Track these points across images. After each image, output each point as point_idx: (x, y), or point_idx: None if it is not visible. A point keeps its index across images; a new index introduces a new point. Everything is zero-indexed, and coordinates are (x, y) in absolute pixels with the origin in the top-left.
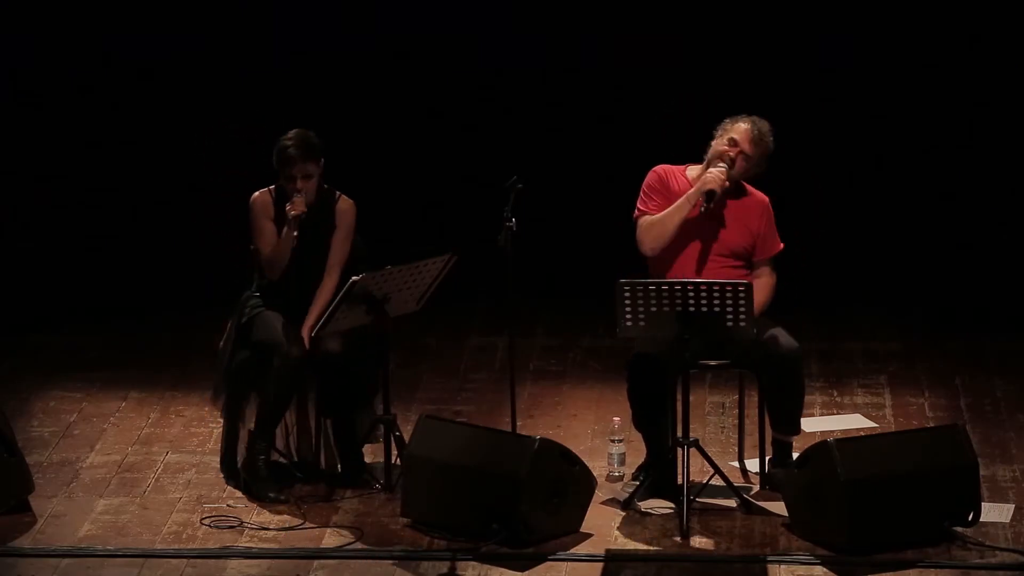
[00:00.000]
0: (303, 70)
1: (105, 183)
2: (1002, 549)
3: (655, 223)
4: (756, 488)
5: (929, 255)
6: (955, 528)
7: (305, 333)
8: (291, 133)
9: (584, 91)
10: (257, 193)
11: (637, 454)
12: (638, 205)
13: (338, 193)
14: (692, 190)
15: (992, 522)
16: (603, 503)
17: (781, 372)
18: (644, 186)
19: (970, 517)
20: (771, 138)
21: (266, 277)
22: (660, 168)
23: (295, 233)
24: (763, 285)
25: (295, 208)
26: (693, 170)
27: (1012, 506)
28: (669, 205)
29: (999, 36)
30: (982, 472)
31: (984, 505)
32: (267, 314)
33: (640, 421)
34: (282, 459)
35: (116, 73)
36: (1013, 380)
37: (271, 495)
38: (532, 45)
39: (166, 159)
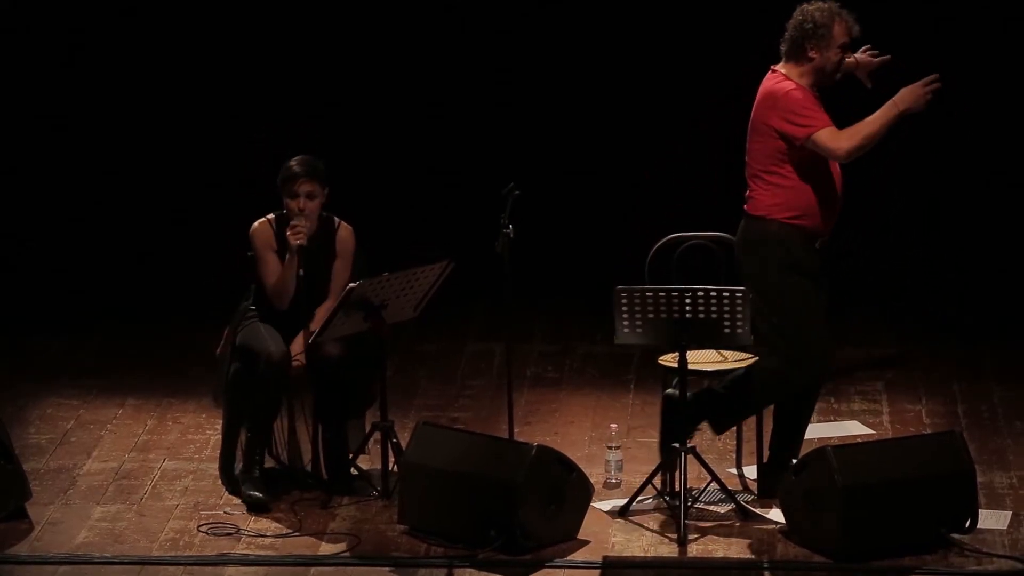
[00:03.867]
0: (301, 78)
1: (103, 189)
2: (999, 556)
3: (861, 138)
4: (753, 495)
5: (927, 261)
6: (952, 535)
7: (304, 341)
8: (297, 156)
9: (582, 97)
10: (257, 224)
11: (634, 461)
12: (807, 122)
13: (337, 220)
14: (888, 113)
15: (989, 529)
16: (600, 510)
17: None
18: (798, 106)
19: (967, 524)
20: None
21: (264, 293)
22: (794, 86)
23: (300, 270)
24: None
25: (296, 236)
26: (781, 66)
27: (1009, 513)
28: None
29: (999, 38)
30: (979, 479)
31: (981, 512)
32: (255, 324)
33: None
34: (278, 466)
35: (123, 77)
36: (1010, 387)
37: (255, 495)
38: (531, 51)
39: (165, 167)
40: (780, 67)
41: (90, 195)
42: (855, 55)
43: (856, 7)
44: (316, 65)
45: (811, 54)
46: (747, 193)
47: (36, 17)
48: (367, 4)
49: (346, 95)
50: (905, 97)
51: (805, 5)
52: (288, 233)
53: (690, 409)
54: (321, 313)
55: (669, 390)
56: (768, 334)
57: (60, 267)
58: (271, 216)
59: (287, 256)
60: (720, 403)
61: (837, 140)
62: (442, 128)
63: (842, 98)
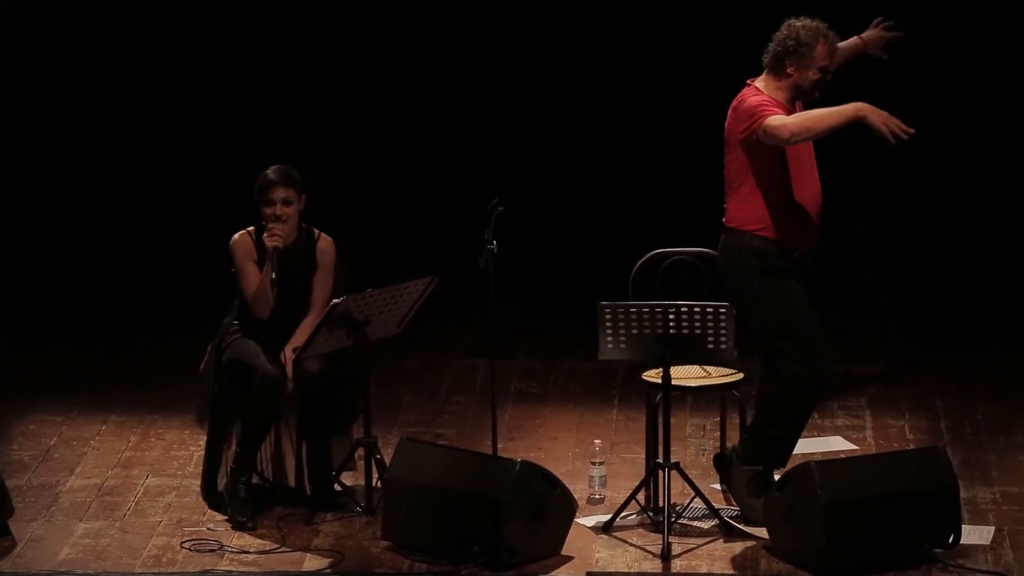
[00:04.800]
0: (284, 96)
1: (86, 209)
2: (982, 571)
3: (805, 121)
4: (737, 510)
5: (909, 275)
6: (935, 550)
7: (288, 354)
8: (273, 166)
9: (567, 116)
10: (237, 235)
11: (618, 477)
12: (759, 113)
13: (317, 232)
14: (846, 110)
15: (972, 544)
16: (584, 525)
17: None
18: (752, 107)
19: (950, 539)
20: None
21: (248, 308)
22: (759, 97)
23: (273, 273)
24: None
25: (272, 239)
26: (759, 80)
27: (992, 528)
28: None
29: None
30: (962, 494)
31: (964, 527)
32: (244, 340)
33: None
34: (263, 482)
35: (123, 77)
36: (993, 402)
37: (240, 519)
38: (517, 69)
39: (148, 188)
40: (758, 81)
41: (76, 212)
42: (863, 34)
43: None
44: (295, 71)
45: (790, 70)
46: (724, 206)
47: (36, 17)
48: (358, 11)
49: (330, 114)
50: (870, 109)
51: (793, 20)
52: (264, 236)
53: (745, 461)
54: (305, 327)
55: (716, 453)
56: (773, 341)
57: (44, 284)
58: (251, 228)
59: (265, 262)
60: (763, 438)
61: (783, 120)
62: (427, 145)
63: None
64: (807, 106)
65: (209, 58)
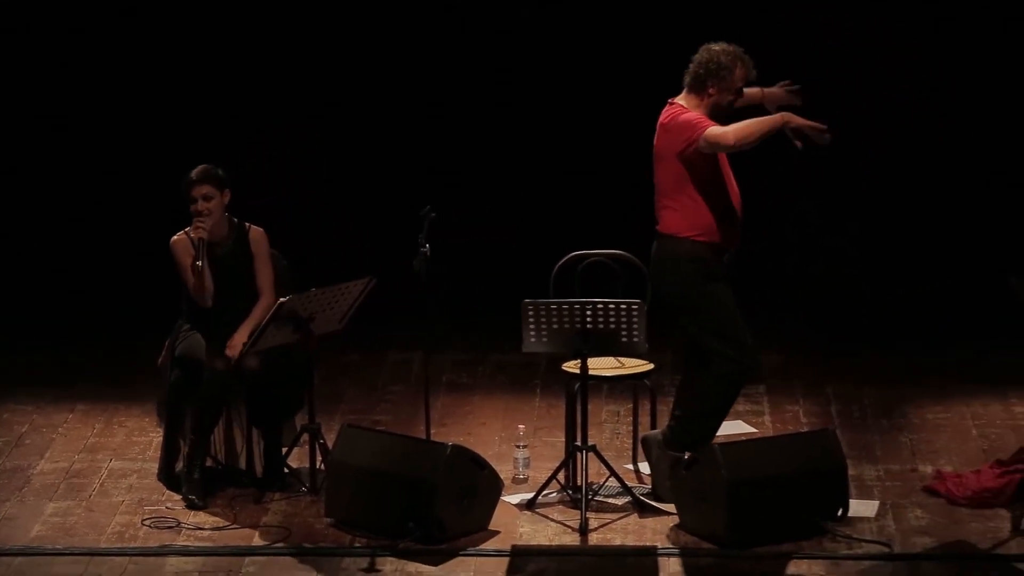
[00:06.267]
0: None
1: (57, 213)
2: (867, 541)
3: (744, 128)
4: (648, 488)
5: (804, 274)
6: (826, 523)
7: (236, 345)
8: (197, 167)
9: (492, 127)
10: (175, 236)
11: (540, 458)
12: (697, 126)
13: (247, 224)
14: (774, 119)
15: (859, 517)
16: (509, 503)
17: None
18: (686, 122)
19: (840, 513)
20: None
21: (195, 308)
22: (686, 112)
23: (199, 262)
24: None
25: (196, 231)
26: (680, 98)
27: (876, 503)
28: None
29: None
30: (850, 472)
31: (852, 502)
32: (194, 337)
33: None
34: (216, 465)
35: (69, 107)
36: (877, 389)
37: (195, 498)
38: (450, 79)
39: (103, 198)
40: (679, 99)
41: (48, 215)
42: (767, 88)
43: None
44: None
45: (711, 91)
46: (657, 214)
47: (35, 17)
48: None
49: (276, 126)
50: (791, 116)
51: (711, 45)
52: (190, 230)
53: (671, 447)
54: (258, 312)
55: (645, 434)
56: (706, 342)
57: (15, 289)
58: (187, 228)
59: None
60: (695, 428)
61: (723, 129)
62: (366, 155)
63: None
64: (723, 122)
65: (194, 59)
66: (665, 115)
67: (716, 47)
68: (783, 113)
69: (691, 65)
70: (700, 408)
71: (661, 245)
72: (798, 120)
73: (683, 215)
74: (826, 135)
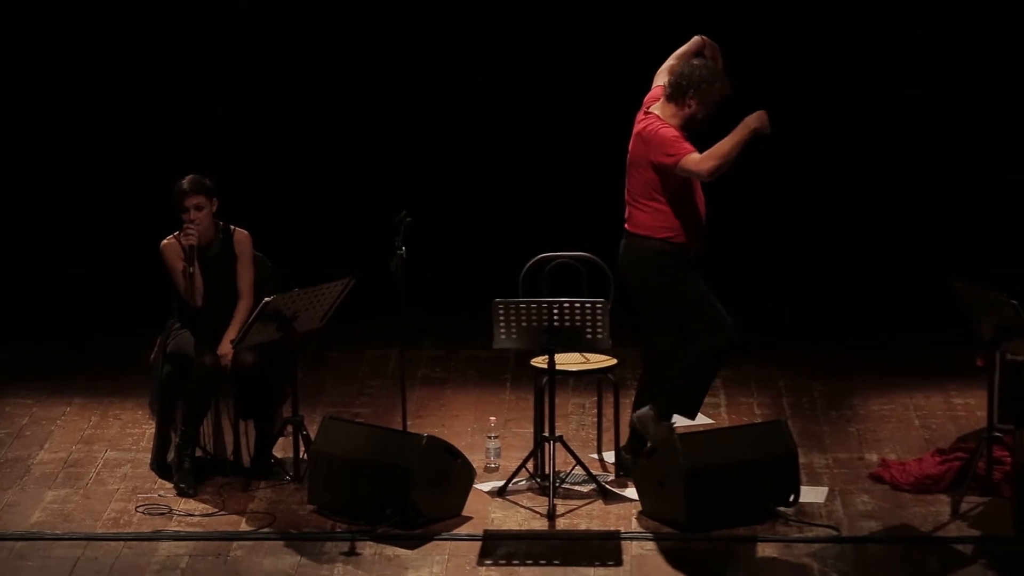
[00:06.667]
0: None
1: (49, 219)
2: (817, 525)
3: (718, 155)
4: (612, 476)
5: (757, 273)
6: (779, 508)
7: (226, 345)
8: (187, 176)
9: (468, 133)
10: (165, 240)
11: (510, 448)
12: (680, 150)
13: (233, 227)
14: (742, 132)
15: (809, 502)
16: (481, 490)
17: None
18: (667, 142)
19: (791, 498)
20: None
21: (186, 306)
22: (663, 125)
23: (190, 266)
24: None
25: (187, 238)
26: (656, 107)
27: (826, 488)
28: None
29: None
30: (801, 460)
31: (803, 488)
32: (185, 335)
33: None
34: (205, 455)
35: (62, 109)
36: (826, 382)
37: (182, 486)
38: (425, 86)
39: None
40: (656, 108)
41: (42, 221)
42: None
43: None
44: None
45: (690, 103)
46: (627, 215)
47: (35, 17)
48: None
49: (256, 135)
50: (754, 119)
51: (693, 60)
52: (181, 236)
53: (664, 420)
54: (241, 313)
55: (638, 413)
56: (687, 325)
57: (17, 292)
58: (176, 233)
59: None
60: (685, 402)
61: (700, 163)
62: (346, 163)
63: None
64: (694, 133)
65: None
66: (642, 125)
67: (696, 62)
68: (746, 123)
69: (671, 76)
70: (686, 384)
71: (630, 242)
72: (759, 123)
73: (653, 217)
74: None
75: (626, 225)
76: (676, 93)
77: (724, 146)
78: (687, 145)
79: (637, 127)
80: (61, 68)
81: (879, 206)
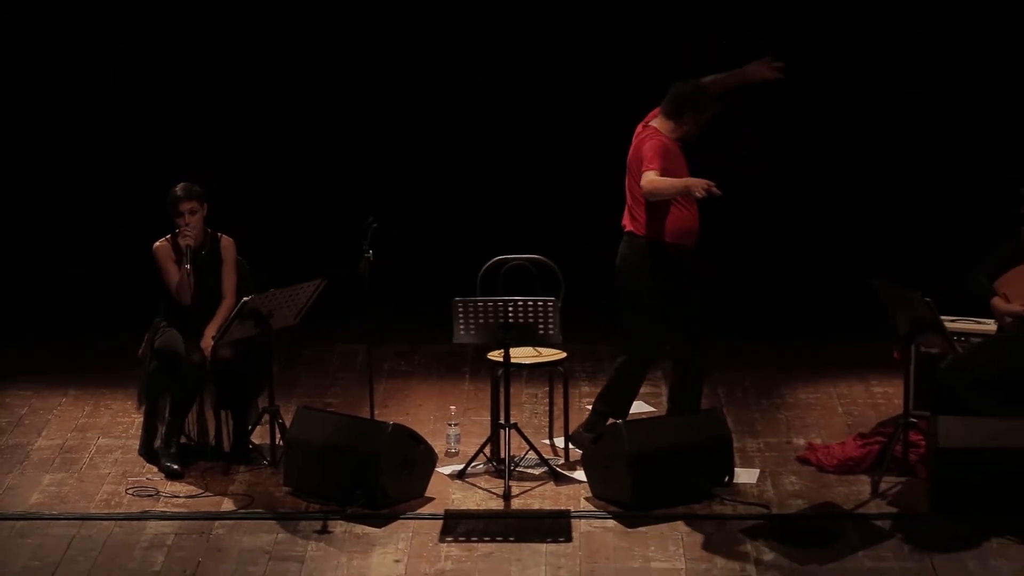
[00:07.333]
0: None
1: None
2: (749, 503)
3: (660, 187)
4: (562, 460)
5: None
6: (715, 488)
7: (207, 339)
8: (179, 184)
9: (430, 142)
10: (157, 243)
11: (469, 435)
12: (650, 165)
13: (220, 234)
14: (680, 182)
15: (743, 483)
16: (443, 473)
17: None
18: (651, 152)
19: (726, 480)
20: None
21: (172, 306)
22: (664, 139)
23: (188, 265)
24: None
25: (185, 239)
26: (655, 122)
27: (757, 470)
28: (669, 167)
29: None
30: (735, 444)
31: (737, 470)
32: (172, 332)
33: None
34: (189, 442)
35: (61, 113)
36: (758, 373)
37: (171, 470)
38: (394, 96)
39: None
40: (655, 122)
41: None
42: (748, 66)
43: None
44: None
45: (687, 120)
46: (625, 216)
47: (35, 17)
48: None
49: (236, 144)
50: (697, 183)
51: (691, 80)
52: (179, 238)
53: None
54: (223, 311)
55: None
56: (635, 324)
57: (16, 291)
58: (168, 236)
59: (182, 259)
60: (687, 399)
61: (646, 182)
62: (318, 170)
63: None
64: (687, 147)
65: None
66: (640, 136)
67: (694, 81)
68: (687, 180)
69: (671, 96)
70: (686, 388)
71: (628, 242)
72: (696, 186)
73: (648, 218)
74: (715, 193)
75: (625, 224)
76: (675, 111)
77: (667, 183)
78: (657, 163)
79: (638, 138)
80: (61, 68)
81: (808, 214)
